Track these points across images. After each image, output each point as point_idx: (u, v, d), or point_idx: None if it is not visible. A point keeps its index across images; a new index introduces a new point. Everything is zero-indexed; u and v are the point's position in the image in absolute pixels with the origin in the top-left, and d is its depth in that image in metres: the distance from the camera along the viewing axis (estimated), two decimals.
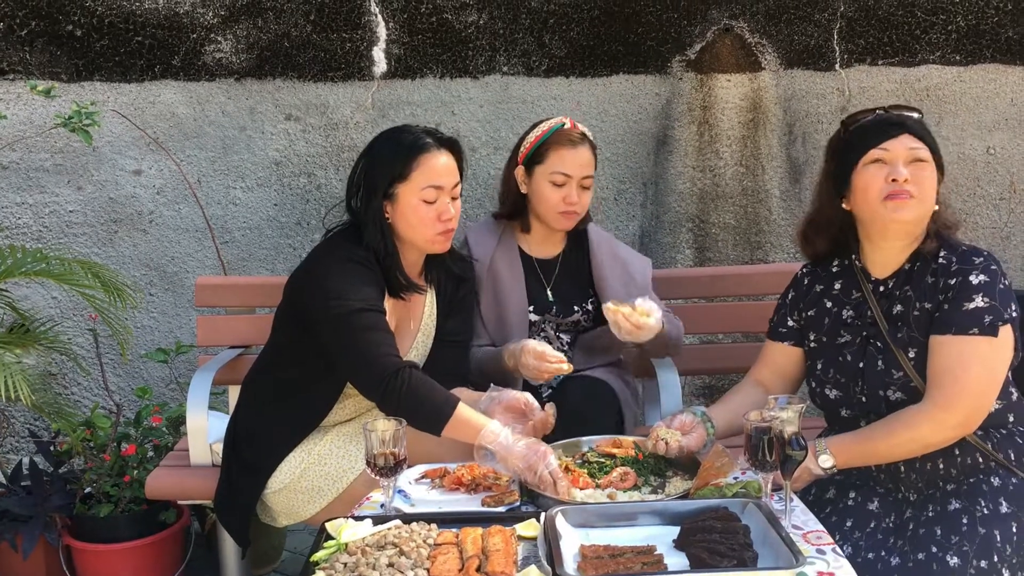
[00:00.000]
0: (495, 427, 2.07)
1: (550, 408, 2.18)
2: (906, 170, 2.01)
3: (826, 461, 1.95)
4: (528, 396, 2.20)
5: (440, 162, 2.31)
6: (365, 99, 3.61)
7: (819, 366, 2.16)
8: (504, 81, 3.63)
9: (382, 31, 3.58)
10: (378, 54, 3.60)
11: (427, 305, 2.47)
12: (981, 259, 2.01)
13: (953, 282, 1.99)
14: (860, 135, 2.09)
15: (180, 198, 3.60)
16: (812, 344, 2.21)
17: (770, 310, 3.12)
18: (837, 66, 3.67)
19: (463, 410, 2.10)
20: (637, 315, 2.37)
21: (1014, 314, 1.97)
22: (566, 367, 2.34)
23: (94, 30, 3.49)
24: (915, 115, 2.11)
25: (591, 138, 2.65)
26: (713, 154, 3.70)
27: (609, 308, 2.40)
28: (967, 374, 1.93)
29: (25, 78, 3.47)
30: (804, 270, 2.30)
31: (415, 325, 2.44)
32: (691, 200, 3.71)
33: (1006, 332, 1.96)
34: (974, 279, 1.98)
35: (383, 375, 2.13)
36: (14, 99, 3.49)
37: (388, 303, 2.31)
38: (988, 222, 3.77)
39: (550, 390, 2.61)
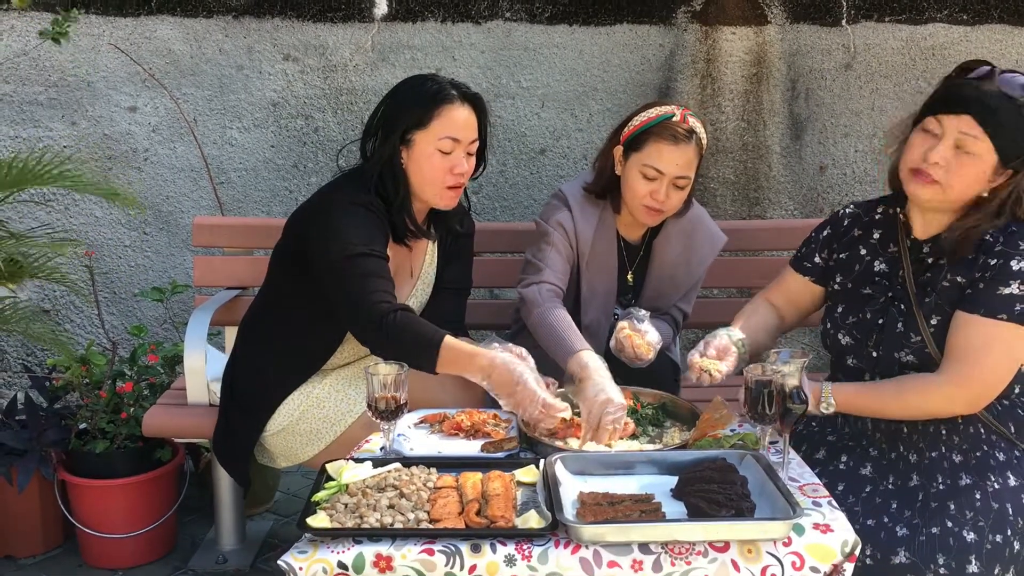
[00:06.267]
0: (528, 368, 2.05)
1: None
2: (946, 154, 1.93)
3: (828, 408, 1.97)
4: (523, 351, 2.17)
5: (461, 115, 2.27)
6: (365, 41, 3.56)
7: (839, 309, 2.14)
8: (506, 27, 3.58)
9: None
10: None
11: (428, 254, 2.46)
12: None
13: (993, 263, 1.93)
14: (939, 93, 1.99)
15: (176, 136, 3.55)
16: (836, 286, 2.19)
17: (767, 265, 3.17)
18: (844, 22, 3.64)
19: (451, 340, 2.09)
20: (643, 349, 2.30)
21: None
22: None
23: None
24: (1017, 91, 1.92)
25: (700, 134, 2.45)
26: (715, 108, 3.68)
27: (624, 329, 2.33)
28: (988, 358, 1.91)
29: (19, 10, 3.40)
30: (847, 210, 2.24)
31: (416, 272, 2.43)
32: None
33: None
34: (1015, 265, 1.92)
35: (372, 321, 2.12)
36: (7, 30, 3.42)
37: (390, 249, 2.30)
38: None
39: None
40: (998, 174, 1.96)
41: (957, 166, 1.94)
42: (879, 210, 2.18)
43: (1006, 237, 1.96)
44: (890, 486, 2.01)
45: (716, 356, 2.09)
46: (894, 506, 1.96)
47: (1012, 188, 1.96)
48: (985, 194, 1.97)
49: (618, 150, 2.50)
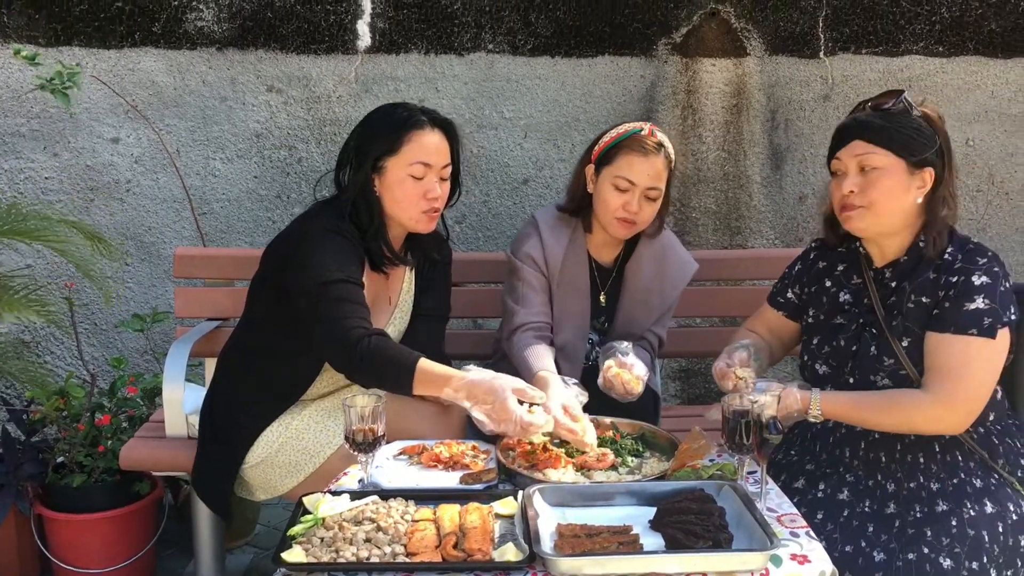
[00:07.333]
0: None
1: None
2: (855, 180, 2.02)
3: (815, 418, 1.99)
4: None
5: (432, 140, 2.30)
6: (348, 73, 3.58)
7: (815, 341, 2.19)
8: (489, 59, 3.60)
9: (367, 4, 3.54)
10: (362, 27, 3.56)
11: (405, 282, 2.46)
12: (985, 260, 2.00)
13: (955, 280, 1.99)
14: (833, 140, 2.11)
15: (158, 167, 3.55)
16: (810, 320, 2.24)
17: (748, 295, 3.19)
18: (821, 54, 3.68)
19: (425, 362, 2.09)
20: (632, 384, 2.31)
21: (1012, 317, 1.97)
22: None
23: None
24: (890, 104, 2.04)
25: (669, 148, 2.52)
26: (696, 138, 3.71)
27: (611, 368, 2.34)
28: (969, 376, 1.94)
29: (2, 41, 3.42)
30: (813, 244, 2.33)
31: (393, 300, 2.43)
32: (672, 184, 3.70)
33: (1003, 335, 1.96)
34: (976, 280, 1.97)
35: (347, 346, 2.11)
36: None
37: (367, 277, 2.30)
38: (966, 213, 3.80)
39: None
40: (915, 176, 2.02)
41: (869, 184, 2.02)
42: (840, 246, 2.25)
43: (964, 254, 2.02)
44: (867, 509, 2.02)
45: (739, 365, 2.10)
46: (871, 529, 1.97)
47: (943, 182, 2.04)
48: (920, 200, 2.04)
49: (589, 168, 2.56)
